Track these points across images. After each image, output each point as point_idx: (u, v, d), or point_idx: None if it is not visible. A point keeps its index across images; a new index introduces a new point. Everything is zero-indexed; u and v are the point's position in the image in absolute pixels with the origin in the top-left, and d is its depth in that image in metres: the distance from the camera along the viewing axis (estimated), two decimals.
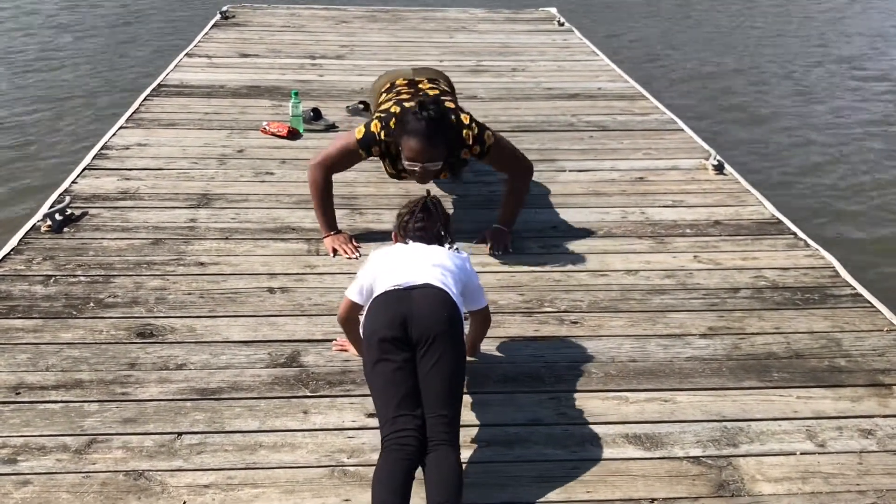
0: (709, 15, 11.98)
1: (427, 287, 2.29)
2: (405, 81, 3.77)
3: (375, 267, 2.45)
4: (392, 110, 3.38)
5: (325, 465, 2.28)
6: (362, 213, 3.82)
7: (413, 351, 2.20)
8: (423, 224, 2.55)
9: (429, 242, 2.53)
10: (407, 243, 2.54)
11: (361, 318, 2.40)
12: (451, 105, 3.47)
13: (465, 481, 2.11)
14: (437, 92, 3.65)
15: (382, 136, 3.34)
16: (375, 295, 2.32)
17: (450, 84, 4.01)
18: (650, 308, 3.12)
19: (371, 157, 3.49)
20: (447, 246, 2.56)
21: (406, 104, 3.35)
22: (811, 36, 10.87)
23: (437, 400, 2.15)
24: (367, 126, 3.41)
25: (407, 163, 3.19)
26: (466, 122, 3.39)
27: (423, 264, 2.38)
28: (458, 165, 3.52)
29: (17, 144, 6.42)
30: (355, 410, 2.50)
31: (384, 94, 3.72)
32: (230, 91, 5.58)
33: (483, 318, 2.63)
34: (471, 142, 3.38)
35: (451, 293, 2.31)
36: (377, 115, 3.48)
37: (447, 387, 2.18)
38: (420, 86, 3.71)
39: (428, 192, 2.65)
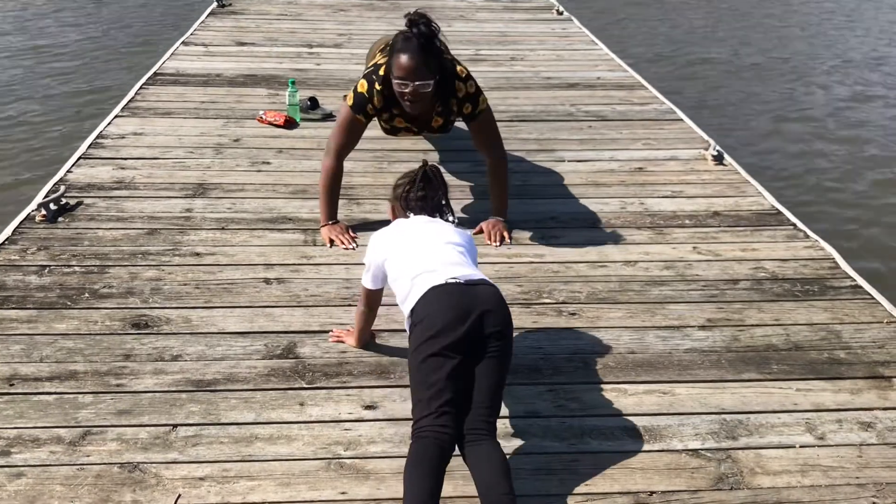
0: (708, 3, 11.92)
1: (487, 284, 2.27)
2: None
3: (382, 248, 2.43)
4: (379, 62, 3.33)
5: (321, 458, 2.26)
6: (359, 204, 3.80)
7: (468, 351, 2.14)
8: (425, 193, 2.51)
9: (431, 214, 2.51)
10: (408, 216, 2.51)
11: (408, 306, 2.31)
12: (448, 57, 3.42)
13: (460, 475, 2.11)
14: None
15: (376, 87, 3.29)
16: (433, 284, 2.21)
17: (447, 49, 3.97)
18: (649, 299, 3.10)
19: (370, 119, 3.42)
20: (449, 219, 2.53)
21: None
22: (812, 25, 10.82)
23: (489, 394, 2.13)
24: (354, 89, 3.38)
25: (397, 82, 3.12)
26: (463, 75, 3.34)
27: (443, 244, 2.35)
28: (451, 115, 3.44)
29: (11, 133, 6.38)
30: (352, 402, 2.48)
31: (379, 55, 3.67)
32: (227, 80, 5.54)
33: None
34: (462, 95, 3.33)
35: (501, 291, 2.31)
36: (364, 75, 3.44)
37: (499, 384, 2.17)
38: None
39: (425, 161, 2.62)
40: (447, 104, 3.37)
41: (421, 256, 2.32)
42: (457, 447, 2.08)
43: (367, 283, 2.51)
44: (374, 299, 2.57)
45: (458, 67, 3.38)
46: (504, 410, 2.47)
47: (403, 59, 3.08)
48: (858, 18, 11.36)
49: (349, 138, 3.47)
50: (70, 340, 2.72)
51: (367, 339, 2.73)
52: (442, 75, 3.23)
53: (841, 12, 11.70)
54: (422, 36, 3.06)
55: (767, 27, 10.67)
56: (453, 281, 2.22)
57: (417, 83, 3.11)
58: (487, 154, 3.56)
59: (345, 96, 5.07)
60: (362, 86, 3.35)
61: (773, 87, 8.18)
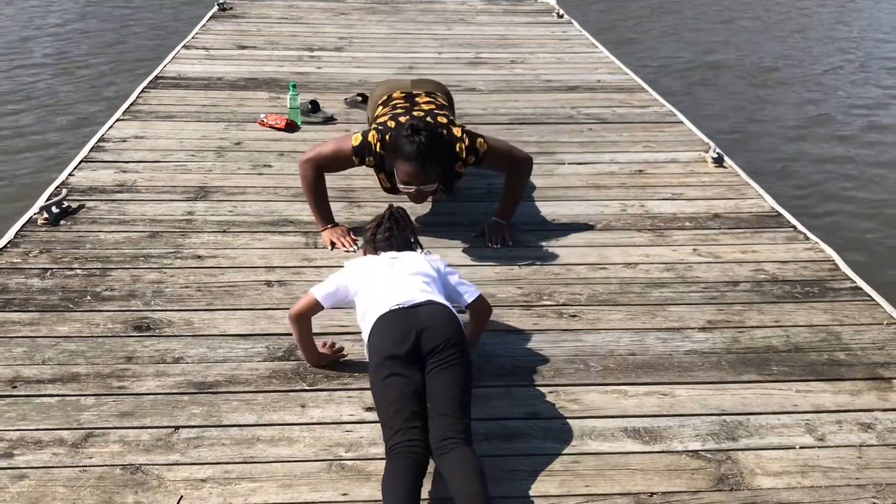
0: (707, 5, 11.94)
1: (431, 304, 2.36)
2: (402, 95, 3.74)
3: (355, 279, 2.51)
4: (389, 125, 3.37)
5: (322, 460, 2.27)
6: (360, 206, 3.81)
7: (421, 367, 2.25)
8: (391, 233, 2.65)
9: (399, 249, 2.61)
10: (378, 254, 2.61)
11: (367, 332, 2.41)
12: (444, 119, 3.47)
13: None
14: (433, 107, 3.61)
15: (378, 149, 3.33)
16: (379, 314, 2.34)
17: (448, 96, 3.98)
18: (649, 301, 3.11)
19: (363, 166, 3.47)
20: (419, 251, 2.64)
21: (401, 119, 3.35)
22: (812, 26, 10.83)
23: (452, 403, 2.19)
24: (365, 135, 3.39)
25: (402, 186, 3.23)
26: (458, 135, 3.39)
27: (406, 276, 2.45)
28: (454, 179, 3.52)
29: (13, 137, 6.40)
30: (353, 404, 2.49)
31: (381, 107, 3.70)
32: (228, 83, 5.55)
33: (483, 310, 2.67)
34: (464, 154, 3.38)
35: (452, 309, 2.39)
36: (375, 126, 3.46)
37: (461, 392, 2.24)
38: (417, 99, 3.69)
39: (391, 204, 2.75)
40: (453, 172, 3.43)
41: (381, 293, 2.41)
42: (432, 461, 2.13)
43: (320, 294, 2.52)
44: (311, 312, 2.55)
45: (454, 129, 3.41)
46: (505, 412, 2.48)
47: (407, 167, 3.14)
48: (866, 22, 11.37)
49: (335, 166, 3.49)
50: (72, 343, 2.73)
51: (319, 356, 2.64)
52: (445, 164, 3.28)
53: (846, 15, 11.71)
54: (424, 143, 3.11)
55: (768, 29, 10.68)
56: (396, 307, 2.33)
57: (421, 187, 3.20)
58: (510, 172, 3.55)
59: (346, 99, 5.18)
60: (373, 137, 3.36)
61: (773, 89, 8.19)
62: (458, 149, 3.37)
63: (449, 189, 3.53)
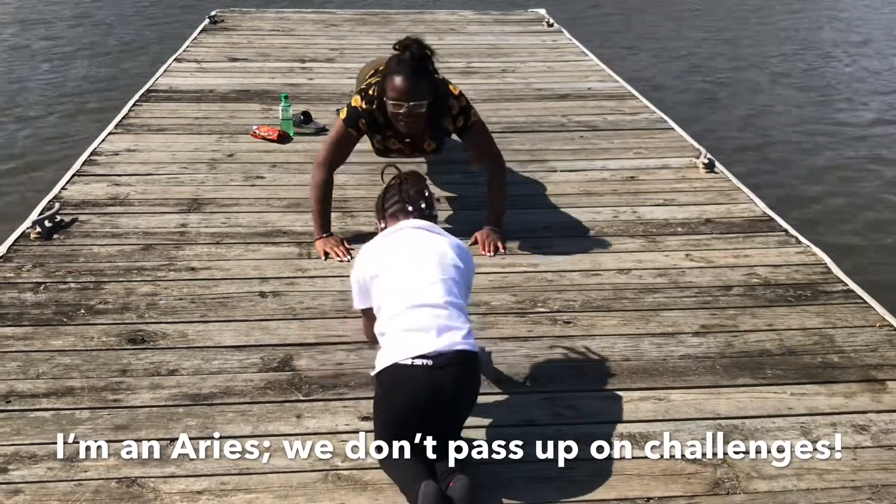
0: (699, 11, 12.02)
1: (457, 365, 2.16)
2: None
3: (369, 267, 2.39)
4: (373, 82, 3.39)
5: (318, 470, 2.26)
6: (353, 216, 3.81)
7: (428, 430, 2.17)
8: (398, 191, 2.54)
9: (416, 207, 2.49)
10: (398, 220, 2.48)
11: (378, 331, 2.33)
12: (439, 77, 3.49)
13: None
14: None
15: (364, 107, 3.35)
16: (398, 360, 2.15)
17: (436, 70, 4.03)
18: (643, 307, 3.12)
19: (361, 136, 3.49)
20: (436, 213, 2.55)
21: None
22: (800, 31, 10.91)
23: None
24: (349, 105, 3.43)
25: (392, 103, 3.20)
26: (455, 93, 3.41)
27: (427, 285, 2.27)
28: (443, 134, 3.53)
29: (5, 151, 6.39)
30: (349, 414, 2.49)
31: (369, 80, 3.73)
32: (220, 95, 5.56)
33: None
34: (456, 111, 3.39)
35: (480, 360, 2.27)
36: (357, 91, 3.49)
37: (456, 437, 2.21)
38: None
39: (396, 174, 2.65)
40: (440, 125, 3.43)
41: (402, 298, 2.26)
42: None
43: (359, 304, 2.48)
44: (369, 319, 2.50)
45: (450, 86, 3.45)
46: (500, 419, 2.48)
47: (397, 80, 3.15)
48: (856, 28, 11.46)
49: (340, 152, 3.51)
50: (66, 356, 2.73)
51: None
52: (435, 96, 3.30)
53: (838, 21, 11.80)
54: (414, 58, 3.12)
55: (758, 34, 10.75)
56: (420, 363, 2.13)
57: (412, 104, 3.18)
58: (486, 167, 3.59)
59: (338, 110, 5.17)
60: (356, 101, 3.40)
61: (764, 94, 8.24)
62: (451, 103, 3.38)
63: (440, 143, 3.56)
